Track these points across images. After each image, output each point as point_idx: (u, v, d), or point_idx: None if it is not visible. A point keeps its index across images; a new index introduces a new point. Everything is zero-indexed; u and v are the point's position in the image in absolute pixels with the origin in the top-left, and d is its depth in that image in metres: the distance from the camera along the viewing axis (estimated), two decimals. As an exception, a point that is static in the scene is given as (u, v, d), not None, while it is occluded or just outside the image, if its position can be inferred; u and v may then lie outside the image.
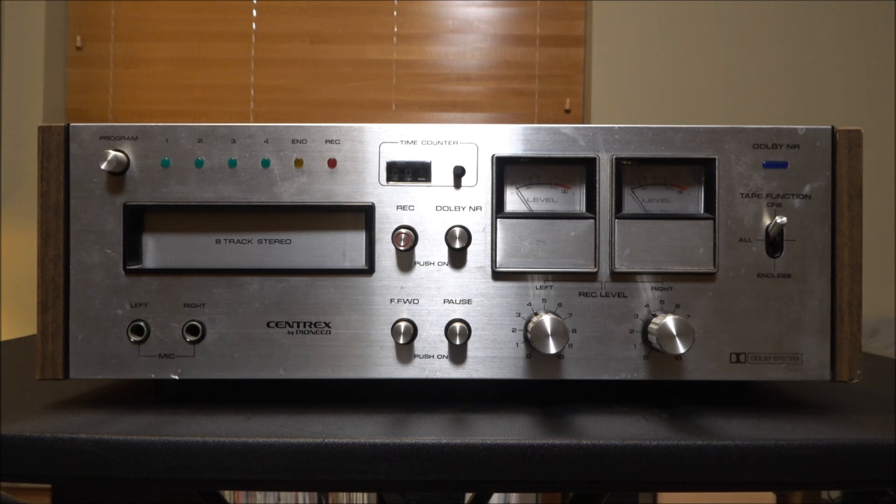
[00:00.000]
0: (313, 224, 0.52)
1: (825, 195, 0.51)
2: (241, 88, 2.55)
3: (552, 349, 0.48)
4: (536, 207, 0.53)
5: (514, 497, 2.35)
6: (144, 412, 0.50)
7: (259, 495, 2.33)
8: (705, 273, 0.51)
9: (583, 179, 0.53)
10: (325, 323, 0.52)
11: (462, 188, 0.52)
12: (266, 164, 0.52)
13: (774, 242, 0.52)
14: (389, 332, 0.51)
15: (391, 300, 0.52)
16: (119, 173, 0.51)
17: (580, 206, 0.53)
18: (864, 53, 2.45)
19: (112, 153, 0.50)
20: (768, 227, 0.51)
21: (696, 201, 0.53)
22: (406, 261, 0.52)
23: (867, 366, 0.70)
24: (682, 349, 0.48)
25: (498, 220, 0.52)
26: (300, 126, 0.52)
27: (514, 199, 0.53)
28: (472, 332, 0.51)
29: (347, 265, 0.52)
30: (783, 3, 2.45)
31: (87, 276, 0.51)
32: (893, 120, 2.41)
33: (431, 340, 0.51)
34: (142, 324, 0.51)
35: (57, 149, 0.51)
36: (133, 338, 0.51)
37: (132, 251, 0.52)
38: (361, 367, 0.51)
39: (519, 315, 0.51)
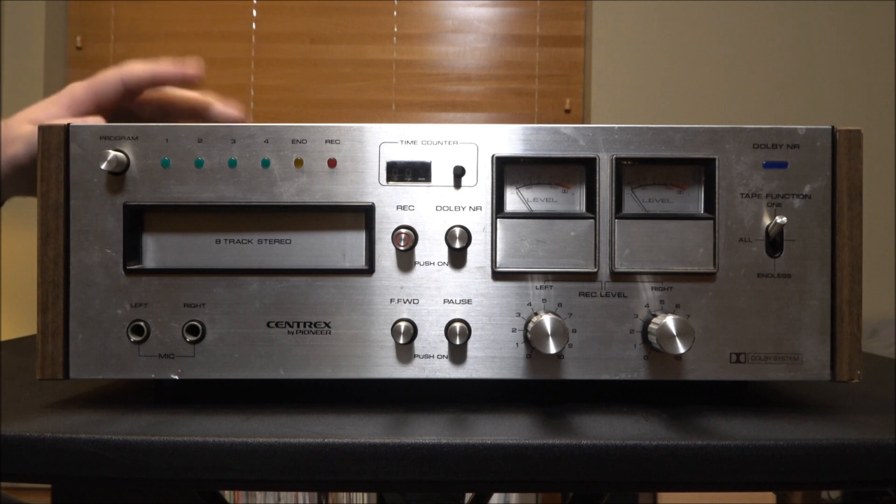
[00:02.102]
0: (313, 224, 0.52)
1: (825, 195, 0.51)
2: (241, 88, 2.55)
3: (552, 349, 0.48)
4: (536, 207, 0.53)
5: (514, 497, 2.36)
6: (144, 412, 0.50)
7: (259, 495, 2.33)
8: (705, 273, 0.51)
9: (583, 179, 0.53)
10: (325, 323, 0.52)
11: (462, 188, 0.52)
12: (266, 164, 0.52)
13: (774, 242, 0.52)
14: (389, 332, 0.51)
15: (391, 300, 0.52)
16: (119, 173, 0.51)
17: (580, 206, 0.53)
18: (864, 53, 2.45)
19: (112, 153, 0.50)
20: (768, 227, 0.51)
21: (696, 201, 0.53)
22: (406, 261, 0.52)
23: (867, 366, 0.70)
24: (682, 349, 0.48)
25: (498, 220, 0.52)
26: (300, 126, 0.52)
27: (514, 199, 0.53)
28: (472, 332, 0.51)
29: (347, 265, 0.52)
30: (783, 3, 2.45)
31: (87, 276, 0.51)
32: (893, 120, 2.41)
33: (431, 340, 0.51)
34: (142, 324, 0.51)
35: (57, 149, 0.51)
36: (133, 338, 0.51)
37: (132, 251, 0.52)
38: (361, 367, 0.51)
39: (519, 315, 0.51)
